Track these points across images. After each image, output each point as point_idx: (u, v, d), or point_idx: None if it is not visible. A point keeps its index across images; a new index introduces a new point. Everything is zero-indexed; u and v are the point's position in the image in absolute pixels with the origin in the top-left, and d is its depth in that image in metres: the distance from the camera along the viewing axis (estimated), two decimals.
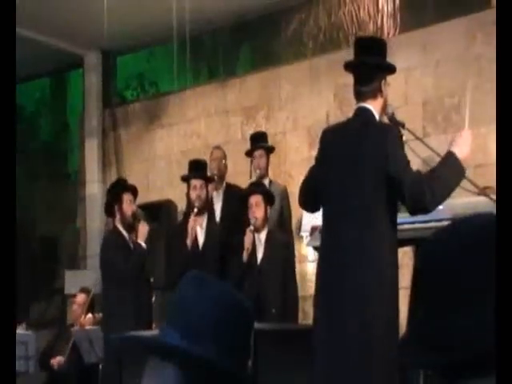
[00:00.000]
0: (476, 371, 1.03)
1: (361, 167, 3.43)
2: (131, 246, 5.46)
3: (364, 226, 3.38)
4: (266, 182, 5.80)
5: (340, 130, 3.67)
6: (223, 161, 6.15)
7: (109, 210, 5.66)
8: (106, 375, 5.43)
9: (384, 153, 3.34)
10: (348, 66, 3.61)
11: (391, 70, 3.51)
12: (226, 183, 6.03)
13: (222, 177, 6.03)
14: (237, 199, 5.56)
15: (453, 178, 3.34)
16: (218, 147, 6.34)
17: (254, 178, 5.80)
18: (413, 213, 3.57)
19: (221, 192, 5.94)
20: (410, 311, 1.12)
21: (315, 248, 4.23)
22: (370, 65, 3.49)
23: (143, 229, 5.27)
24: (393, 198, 3.40)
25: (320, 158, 3.60)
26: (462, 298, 1.06)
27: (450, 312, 1.06)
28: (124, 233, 5.46)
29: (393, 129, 3.50)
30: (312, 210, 3.97)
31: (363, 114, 3.47)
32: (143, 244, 5.42)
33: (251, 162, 5.86)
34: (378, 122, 3.53)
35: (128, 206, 5.49)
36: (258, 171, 5.67)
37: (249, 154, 5.92)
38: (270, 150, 5.96)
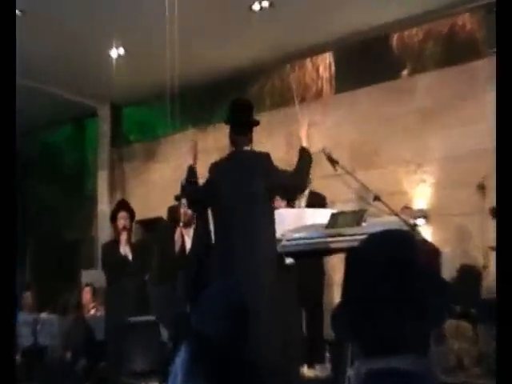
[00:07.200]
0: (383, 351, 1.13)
1: (250, 182, 3.85)
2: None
3: (253, 214, 3.85)
4: None
5: (227, 161, 4.02)
6: None
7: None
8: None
9: (264, 171, 3.85)
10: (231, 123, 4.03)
11: (257, 123, 4.05)
12: None
13: None
14: None
15: (306, 165, 4.00)
16: None
17: None
18: (291, 199, 4.56)
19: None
20: (342, 295, 1.23)
21: None
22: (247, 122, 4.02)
23: None
24: (271, 197, 3.99)
25: (211, 181, 4.02)
26: (382, 299, 1.13)
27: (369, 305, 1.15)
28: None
29: (264, 154, 3.93)
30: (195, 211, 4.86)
31: (243, 152, 3.97)
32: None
33: None
34: (253, 152, 3.97)
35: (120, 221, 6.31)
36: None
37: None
38: None
